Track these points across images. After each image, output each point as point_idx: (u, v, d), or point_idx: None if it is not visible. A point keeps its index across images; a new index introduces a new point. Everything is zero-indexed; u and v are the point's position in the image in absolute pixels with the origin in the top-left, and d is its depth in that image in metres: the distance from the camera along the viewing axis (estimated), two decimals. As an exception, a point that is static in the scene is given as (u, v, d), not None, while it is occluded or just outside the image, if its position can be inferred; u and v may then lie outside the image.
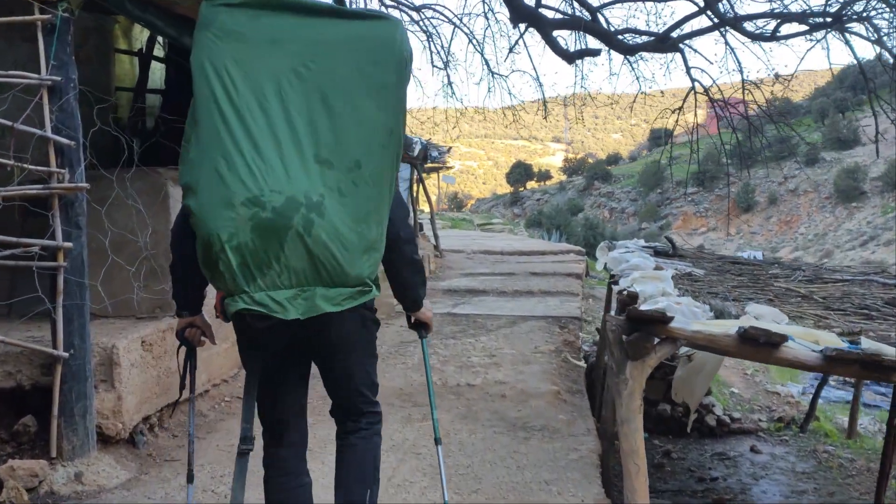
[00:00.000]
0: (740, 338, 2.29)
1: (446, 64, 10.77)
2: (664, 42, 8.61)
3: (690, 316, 2.67)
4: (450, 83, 11.44)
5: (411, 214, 2.23)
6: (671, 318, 2.36)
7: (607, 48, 8.96)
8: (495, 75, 11.00)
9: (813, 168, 64.16)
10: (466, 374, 5.05)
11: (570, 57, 9.06)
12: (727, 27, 8.62)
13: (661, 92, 10.92)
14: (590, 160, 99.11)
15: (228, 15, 1.85)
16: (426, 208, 13.45)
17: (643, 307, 2.80)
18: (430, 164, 13.28)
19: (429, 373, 2.55)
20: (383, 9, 8.67)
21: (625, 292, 2.85)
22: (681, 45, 8.64)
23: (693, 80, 8.87)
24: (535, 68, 13.55)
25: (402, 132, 1.97)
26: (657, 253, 5.66)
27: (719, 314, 2.89)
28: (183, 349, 2.17)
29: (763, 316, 2.74)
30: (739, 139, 9.33)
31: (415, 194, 12.66)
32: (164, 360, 3.90)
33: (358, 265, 1.85)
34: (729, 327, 2.40)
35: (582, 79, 11.96)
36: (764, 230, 63.43)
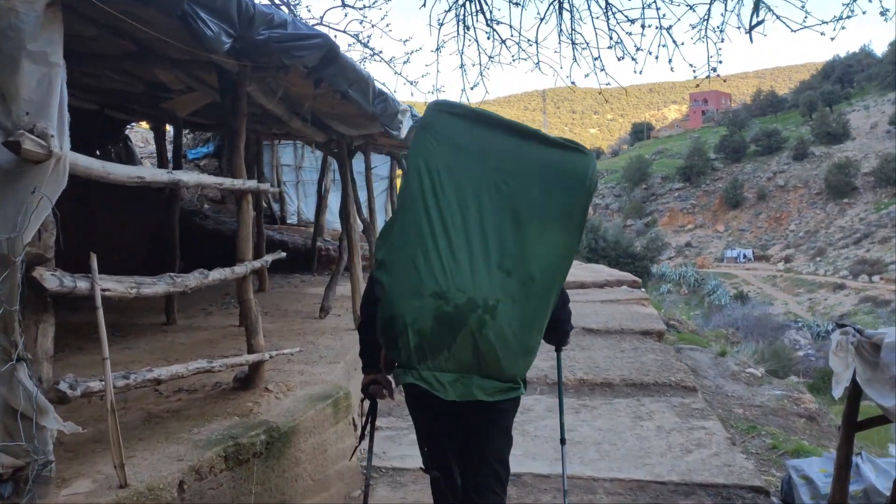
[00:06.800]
0: None
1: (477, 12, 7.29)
2: None
3: None
4: (500, 38, 7.78)
5: (568, 299, 2.41)
6: None
7: None
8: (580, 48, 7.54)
9: (802, 163, 62.45)
10: None
11: None
12: None
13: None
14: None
15: (449, 121, 2.35)
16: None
17: None
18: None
19: (560, 377, 3.04)
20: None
21: None
22: None
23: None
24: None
25: (576, 250, 2.36)
26: None
27: None
28: (366, 402, 2.64)
29: None
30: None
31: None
32: None
33: (514, 365, 2.26)
34: None
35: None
36: (753, 227, 61.52)
